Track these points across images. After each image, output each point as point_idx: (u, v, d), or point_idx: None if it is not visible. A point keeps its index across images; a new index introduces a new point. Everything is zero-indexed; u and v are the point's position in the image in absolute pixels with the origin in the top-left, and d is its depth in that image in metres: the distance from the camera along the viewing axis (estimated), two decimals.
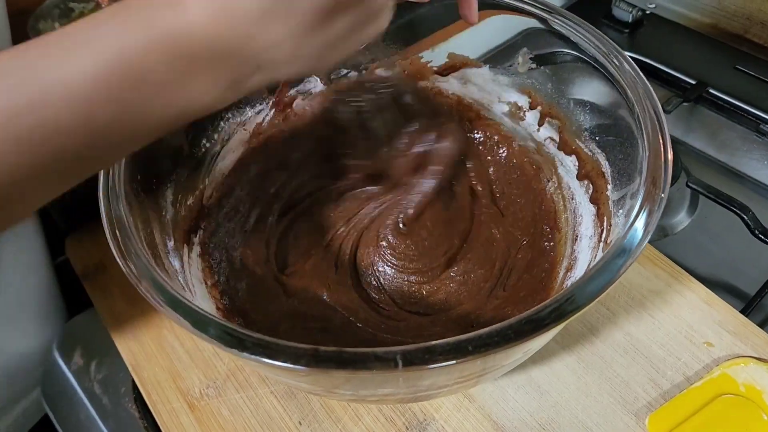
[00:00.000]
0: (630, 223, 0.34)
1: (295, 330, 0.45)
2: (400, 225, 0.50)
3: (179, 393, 0.47)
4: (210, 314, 0.33)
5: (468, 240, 0.50)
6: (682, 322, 0.49)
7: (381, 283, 0.49)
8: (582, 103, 0.47)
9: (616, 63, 0.42)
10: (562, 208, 0.49)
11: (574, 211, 0.47)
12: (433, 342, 0.30)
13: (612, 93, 0.43)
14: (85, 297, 0.55)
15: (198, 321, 0.32)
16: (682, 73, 0.72)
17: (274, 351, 0.30)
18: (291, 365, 0.30)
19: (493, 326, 0.30)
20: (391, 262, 0.49)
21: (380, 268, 0.49)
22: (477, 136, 0.55)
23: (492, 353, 0.30)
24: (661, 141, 0.37)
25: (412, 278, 0.48)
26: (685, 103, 0.69)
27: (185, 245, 0.44)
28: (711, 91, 0.70)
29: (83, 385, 0.52)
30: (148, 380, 0.48)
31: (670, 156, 0.36)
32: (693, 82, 0.71)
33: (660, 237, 0.63)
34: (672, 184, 0.64)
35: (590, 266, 0.41)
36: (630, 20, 0.79)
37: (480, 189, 0.53)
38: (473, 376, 0.39)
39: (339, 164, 0.53)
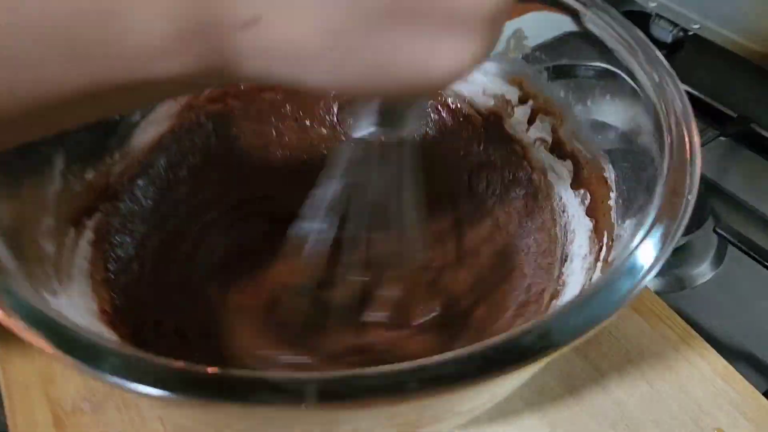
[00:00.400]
0: (641, 237, 0.26)
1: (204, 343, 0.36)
2: None
3: (47, 402, 0.38)
4: (46, 311, 0.24)
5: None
6: (688, 398, 0.39)
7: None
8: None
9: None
10: (550, 223, 0.40)
11: (564, 227, 0.38)
12: (361, 371, 0.21)
13: (631, 97, 0.33)
14: None
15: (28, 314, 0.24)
16: (723, 104, 0.64)
17: (130, 368, 0.21)
18: (150, 390, 0.21)
19: (445, 355, 0.22)
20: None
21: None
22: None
23: (441, 394, 0.22)
24: (688, 143, 0.27)
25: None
26: (722, 138, 0.61)
27: (73, 228, 0.35)
28: (754, 127, 0.62)
29: None
30: (15, 380, 0.39)
31: (698, 161, 0.27)
32: (734, 116, 0.63)
33: (674, 289, 0.53)
34: (697, 229, 0.56)
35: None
36: (669, 40, 0.71)
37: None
38: (414, 424, 0.30)
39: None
